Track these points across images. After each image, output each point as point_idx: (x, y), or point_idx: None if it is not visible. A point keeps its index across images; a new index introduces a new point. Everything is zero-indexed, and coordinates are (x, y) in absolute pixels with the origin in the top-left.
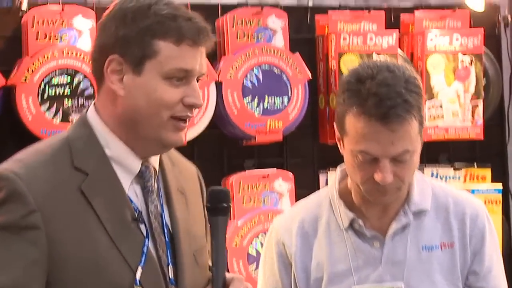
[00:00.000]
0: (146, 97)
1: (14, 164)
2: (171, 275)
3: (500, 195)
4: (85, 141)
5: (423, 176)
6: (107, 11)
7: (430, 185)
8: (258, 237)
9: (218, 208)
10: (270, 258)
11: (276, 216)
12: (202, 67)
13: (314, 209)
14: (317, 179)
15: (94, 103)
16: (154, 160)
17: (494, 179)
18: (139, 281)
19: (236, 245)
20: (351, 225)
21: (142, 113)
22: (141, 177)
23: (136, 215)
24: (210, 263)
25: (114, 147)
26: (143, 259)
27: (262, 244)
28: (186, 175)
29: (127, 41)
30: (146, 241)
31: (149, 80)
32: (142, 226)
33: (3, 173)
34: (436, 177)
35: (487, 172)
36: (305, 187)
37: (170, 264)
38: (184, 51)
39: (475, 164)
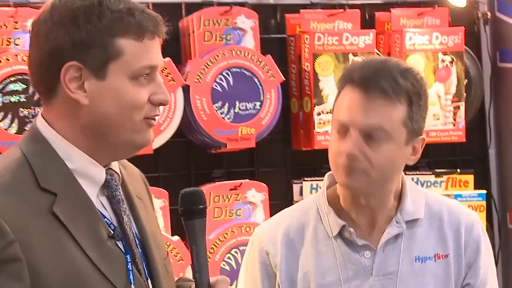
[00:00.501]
0: (115, 102)
1: None
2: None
3: (484, 201)
4: (45, 158)
5: (415, 185)
6: (38, 14)
7: (423, 194)
8: (231, 251)
9: (193, 210)
10: (252, 268)
11: (258, 226)
12: (162, 60)
13: (300, 217)
14: (290, 189)
15: (42, 115)
16: (115, 166)
17: (476, 185)
18: None
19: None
20: (341, 233)
21: (113, 119)
22: (108, 187)
23: (112, 231)
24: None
25: (77, 160)
26: (131, 278)
27: (235, 259)
28: (135, 178)
29: (84, 45)
30: (128, 257)
31: (115, 83)
32: (119, 242)
33: None
34: (417, 183)
35: (470, 178)
36: (278, 197)
37: (148, 277)
38: (147, 46)
39: (458, 170)
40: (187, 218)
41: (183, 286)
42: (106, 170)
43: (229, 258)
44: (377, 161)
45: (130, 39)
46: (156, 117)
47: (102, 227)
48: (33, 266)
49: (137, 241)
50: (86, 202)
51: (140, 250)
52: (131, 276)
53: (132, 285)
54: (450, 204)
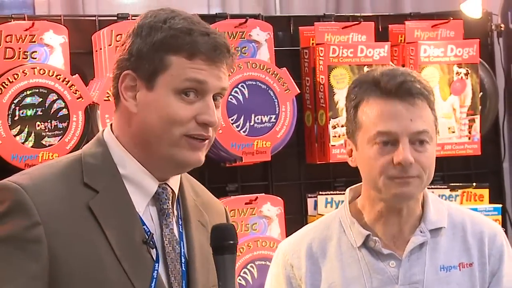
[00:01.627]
0: (157, 113)
1: (20, 176)
2: None
3: (500, 215)
4: (98, 159)
5: (437, 196)
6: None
7: (445, 204)
8: (247, 266)
9: (224, 246)
10: (277, 282)
11: (282, 241)
12: (221, 82)
13: (323, 231)
14: (305, 203)
15: (112, 121)
16: (174, 184)
17: (491, 199)
18: None
19: None
20: (365, 243)
21: (154, 130)
22: (158, 200)
23: (147, 237)
24: None
25: (130, 167)
26: (153, 285)
27: (251, 274)
28: (213, 210)
29: (140, 56)
30: (156, 265)
31: (160, 96)
32: (153, 250)
33: (7, 184)
34: None
35: (485, 192)
36: (293, 211)
37: None
38: (197, 65)
39: (473, 183)
40: (218, 253)
41: None
42: (160, 184)
43: (245, 273)
44: (427, 164)
45: (181, 56)
46: (202, 138)
47: (137, 231)
48: (55, 251)
49: (182, 259)
50: (127, 205)
51: (183, 268)
52: (153, 283)
53: None
54: (472, 214)
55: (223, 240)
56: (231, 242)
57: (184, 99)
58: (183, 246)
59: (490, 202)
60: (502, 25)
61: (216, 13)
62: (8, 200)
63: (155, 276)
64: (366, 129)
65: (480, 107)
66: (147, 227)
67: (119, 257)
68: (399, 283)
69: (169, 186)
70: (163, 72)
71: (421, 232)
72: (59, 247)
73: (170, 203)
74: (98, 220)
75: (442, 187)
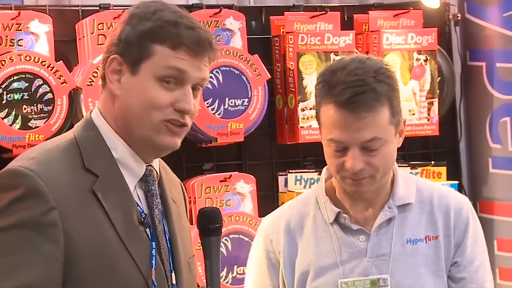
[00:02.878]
0: (138, 97)
1: (27, 162)
2: (173, 281)
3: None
4: (93, 143)
5: (407, 173)
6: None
7: (414, 181)
8: (221, 239)
9: (210, 228)
10: (258, 256)
11: (264, 217)
12: (201, 73)
13: (301, 208)
14: (276, 180)
15: (99, 103)
16: (155, 165)
17: (448, 176)
18: (154, 280)
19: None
20: (337, 219)
21: (134, 112)
22: (145, 181)
23: (142, 218)
24: (205, 282)
25: (120, 150)
26: (153, 262)
27: (226, 246)
28: (175, 185)
29: (128, 42)
30: (153, 244)
31: (142, 80)
32: (148, 230)
33: (20, 170)
34: None
35: (443, 169)
36: (265, 188)
37: (172, 270)
38: (180, 55)
39: (432, 162)
40: (205, 235)
41: None
42: (146, 166)
43: (224, 245)
44: (379, 165)
45: (165, 46)
46: (178, 124)
47: (135, 213)
48: (68, 233)
49: (166, 236)
50: (124, 188)
51: (168, 245)
52: (153, 261)
53: (153, 269)
54: (440, 189)
55: (210, 224)
56: (217, 225)
57: (164, 86)
58: (165, 223)
59: (448, 179)
60: (459, 15)
61: (192, 4)
62: (23, 185)
63: (153, 254)
64: (324, 130)
65: (438, 91)
66: (140, 208)
67: (123, 238)
68: (367, 256)
69: (154, 168)
70: (147, 59)
71: (389, 208)
72: (71, 230)
73: (156, 184)
74: (102, 203)
75: (403, 165)
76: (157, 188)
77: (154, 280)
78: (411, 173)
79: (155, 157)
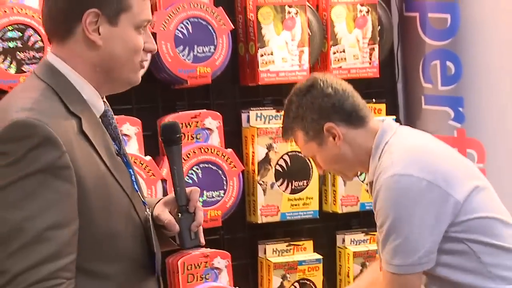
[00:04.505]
0: (123, 46)
1: (30, 113)
2: (142, 198)
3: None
4: (65, 88)
5: (380, 151)
6: None
7: (381, 150)
8: (193, 168)
9: (172, 139)
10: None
11: None
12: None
13: None
14: (239, 117)
15: (55, 53)
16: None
17: (388, 111)
18: (143, 203)
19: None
20: None
21: (119, 59)
22: (105, 116)
23: (118, 149)
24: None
25: (87, 91)
26: (136, 187)
27: (197, 174)
28: None
29: None
30: (131, 171)
31: (124, 31)
32: (123, 159)
33: (30, 121)
34: None
35: (383, 106)
36: (229, 124)
37: (137, 190)
38: (146, 3)
39: (373, 100)
40: (168, 145)
41: (154, 200)
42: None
43: (191, 173)
44: (327, 167)
45: None
46: (145, 62)
47: (111, 146)
48: (77, 173)
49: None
50: (99, 125)
51: (130, 170)
52: (135, 186)
53: (136, 192)
54: (385, 168)
55: (171, 134)
56: (178, 135)
57: (139, 32)
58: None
59: (387, 114)
60: None
61: None
62: (37, 135)
63: (133, 180)
64: None
65: (378, 39)
66: (112, 140)
67: (111, 169)
68: None
69: (109, 106)
70: (126, 11)
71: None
72: (78, 169)
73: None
74: (91, 141)
75: None
76: (115, 121)
77: (140, 201)
78: None
79: (121, 91)
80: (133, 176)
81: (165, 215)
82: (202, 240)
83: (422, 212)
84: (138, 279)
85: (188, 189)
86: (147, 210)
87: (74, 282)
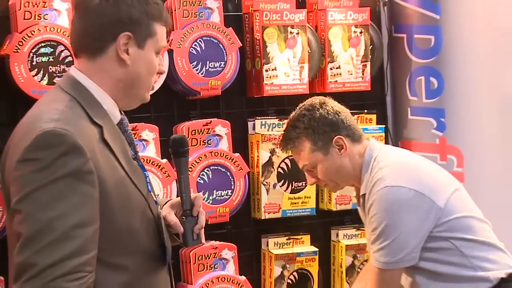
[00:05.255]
0: (146, 66)
1: (57, 123)
2: (154, 198)
3: (383, 133)
4: (88, 100)
5: (370, 156)
6: None
7: (371, 166)
8: (204, 170)
9: (180, 151)
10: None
11: None
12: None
13: None
14: (246, 125)
15: (79, 68)
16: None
17: (378, 121)
18: (151, 205)
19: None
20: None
21: (141, 79)
22: (121, 124)
23: (134, 154)
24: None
25: (107, 103)
26: (149, 187)
27: (207, 175)
28: None
29: (136, 22)
30: (146, 173)
31: (148, 53)
32: (138, 162)
33: (58, 131)
34: None
35: (373, 116)
36: (237, 131)
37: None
38: (165, 32)
39: (365, 110)
40: (176, 157)
41: (162, 201)
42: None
43: (203, 174)
44: (325, 178)
45: (160, 24)
46: (156, 84)
47: (128, 151)
48: (99, 177)
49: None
50: (117, 132)
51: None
52: (149, 187)
53: (150, 193)
54: (376, 183)
55: (180, 147)
56: (186, 148)
57: (156, 56)
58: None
59: (377, 124)
60: None
61: None
62: (64, 144)
63: (148, 181)
64: None
65: (370, 56)
66: (128, 145)
67: (128, 172)
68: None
69: (125, 115)
70: (152, 37)
71: (361, 196)
72: (100, 173)
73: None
74: (111, 147)
75: None
76: (130, 129)
77: (153, 201)
78: None
79: (134, 107)
80: (147, 178)
81: (171, 217)
82: (203, 240)
83: (410, 218)
84: (152, 269)
85: (192, 195)
86: (159, 208)
87: (94, 274)
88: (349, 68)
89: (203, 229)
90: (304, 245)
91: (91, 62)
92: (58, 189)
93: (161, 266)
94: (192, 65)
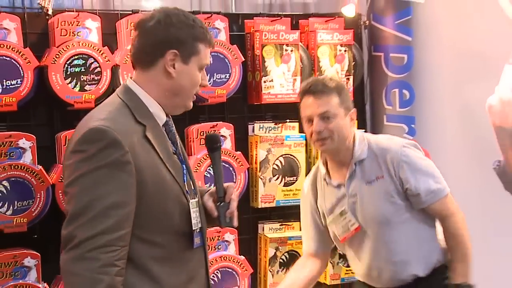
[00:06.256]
0: (189, 80)
1: (102, 121)
2: (193, 186)
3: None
4: (136, 103)
5: (363, 135)
6: (149, 17)
7: (366, 141)
8: (210, 166)
9: (214, 147)
10: (303, 200)
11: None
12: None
13: (315, 170)
14: (247, 128)
15: (134, 79)
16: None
17: (359, 126)
18: (187, 191)
19: (196, 170)
20: (325, 179)
21: (185, 89)
22: (166, 125)
23: (175, 150)
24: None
25: (154, 106)
26: (185, 178)
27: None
28: None
29: (183, 42)
30: (183, 165)
31: (192, 69)
32: (178, 157)
33: (101, 128)
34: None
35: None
36: (239, 133)
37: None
38: (208, 51)
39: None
40: (211, 151)
41: (204, 190)
42: (167, 115)
43: (209, 168)
44: (333, 129)
45: (204, 45)
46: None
47: (169, 147)
48: (137, 167)
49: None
50: (160, 131)
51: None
52: (184, 177)
53: (185, 182)
54: (380, 144)
55: (214, 143)
56: (219, 144)
57: (200, 71)
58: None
59: (358, 128)
60: (367, 22)
61: (193, 10)
62: (106, 138)
63: (185, 173)
64: (301, 114)
65: (353, 71)
66: (171, 142)
67: (167, 165)
68: (347, 196)
69: (170, 118)
70: (196, 55)
71: (352, 166)
72: (139, 164)
73: (174, 127)
74: (152, 143)
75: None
76: (174, 129)
77: (187, 190)
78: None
79: (179, 113)
80: (185, 170)
81: (209, 203)
82: (235, 223)
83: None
84: (183, 248)
85: (225, 184)
86: (197, 196)
87: (127, 249)
88: None
89: (235, 213)
90: (294, 230)
91: (143, 73)
92: (99, 176)
93: (191, 245)
94: None
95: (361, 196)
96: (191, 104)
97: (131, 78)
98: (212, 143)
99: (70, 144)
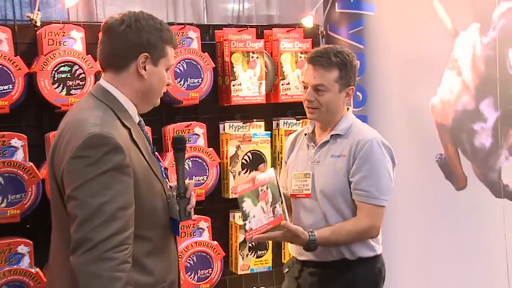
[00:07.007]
0: (159, 80)
1: (100, 127)
2: (168, 183)
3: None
4: (117, 106)
5: (352, 116)
6: (115, 20)
7: (352, 122)
8: (186, 160)
9: (179, 147)
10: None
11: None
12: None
13: (303, 129)
14: (218, 126)
15: (107, 80)
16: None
17: None
18: (170, 187)
19: (173, 165)
20: (306, 134)
21: (155, 89)
22: (139, 124)
23: (152, 149)
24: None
25: (131, 108)
26: (164, 175)
27: (188, 166)
28: None
29: (152, 45)
30: (160, 164)
31: (160, 70)
32: (155, 156)
33: (104, 134)
34: (287, 124)
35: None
36: (211, 131)
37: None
38: (173, 52)
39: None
40: (176, 151)
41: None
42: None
43: (187, 164)
44: (322, 102)
45: (171, 46)
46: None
47: (148, 147)
48: (133, 169)
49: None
50: (140, 132)
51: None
52: (163, 175)
53: (166, 178)
54: (360, 130)
55: (179, 144)
56: (183, 145)
57: (166, 72)
58: None
59: None
60: (324, 31)
61: (169, 22)
62: (109, 144)
63: (163, 170)
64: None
65: None
66: (148, 142)
67: (150, 164)
68: (311, 160)
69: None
70: (164, 57)
71: (328, 137)
72: (133, 166)
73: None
74: (138, 145)
75: (291, 118)
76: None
77: (170, 185)
78: (297, 122)
79: (146, 111)
80: (162, 167)
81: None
82: (193, 217)
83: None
84: (167, 239)
85: (186, 182)
86: (171, 191)
87: (133, 246)
88: (296, 84)
89: (193, 208)
90: None
91: (116, 75)
92: (105, 180)
93: (171, 236)
94: (177, 81)
95: (321, 165)
96: (159, 101)
97: (103, 79)
98: (177, 144)
99: (66, 149)
